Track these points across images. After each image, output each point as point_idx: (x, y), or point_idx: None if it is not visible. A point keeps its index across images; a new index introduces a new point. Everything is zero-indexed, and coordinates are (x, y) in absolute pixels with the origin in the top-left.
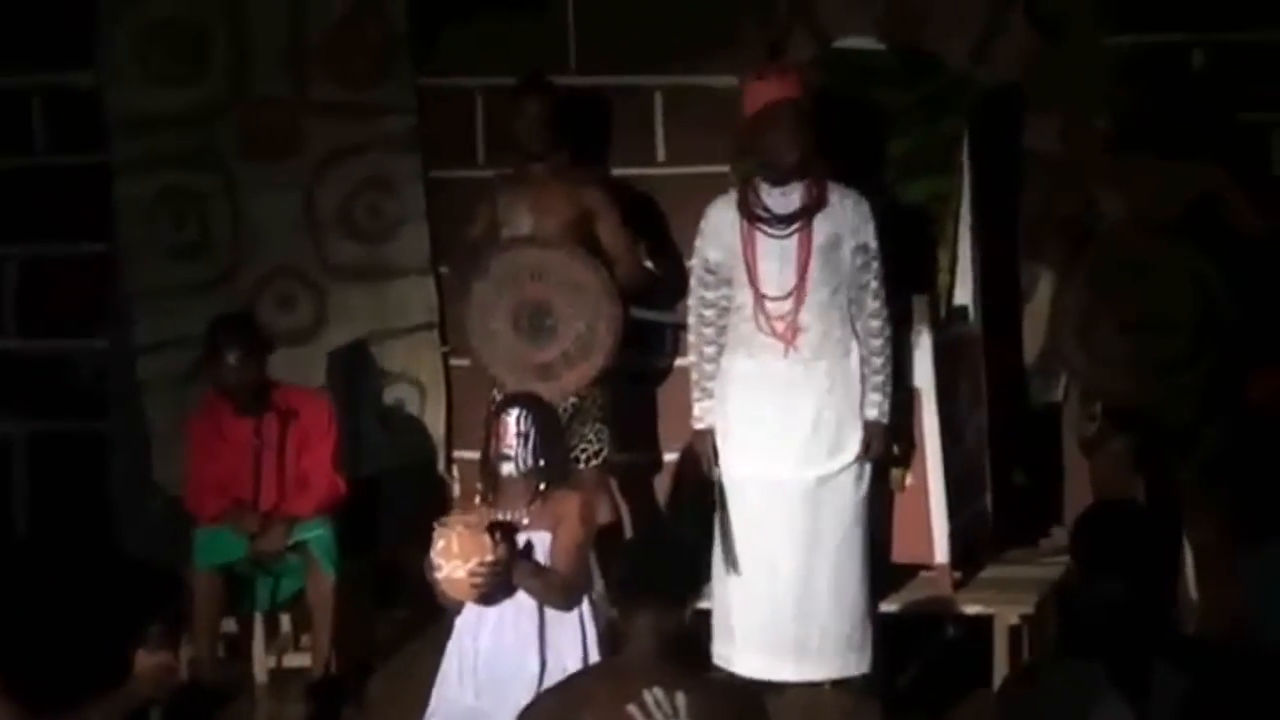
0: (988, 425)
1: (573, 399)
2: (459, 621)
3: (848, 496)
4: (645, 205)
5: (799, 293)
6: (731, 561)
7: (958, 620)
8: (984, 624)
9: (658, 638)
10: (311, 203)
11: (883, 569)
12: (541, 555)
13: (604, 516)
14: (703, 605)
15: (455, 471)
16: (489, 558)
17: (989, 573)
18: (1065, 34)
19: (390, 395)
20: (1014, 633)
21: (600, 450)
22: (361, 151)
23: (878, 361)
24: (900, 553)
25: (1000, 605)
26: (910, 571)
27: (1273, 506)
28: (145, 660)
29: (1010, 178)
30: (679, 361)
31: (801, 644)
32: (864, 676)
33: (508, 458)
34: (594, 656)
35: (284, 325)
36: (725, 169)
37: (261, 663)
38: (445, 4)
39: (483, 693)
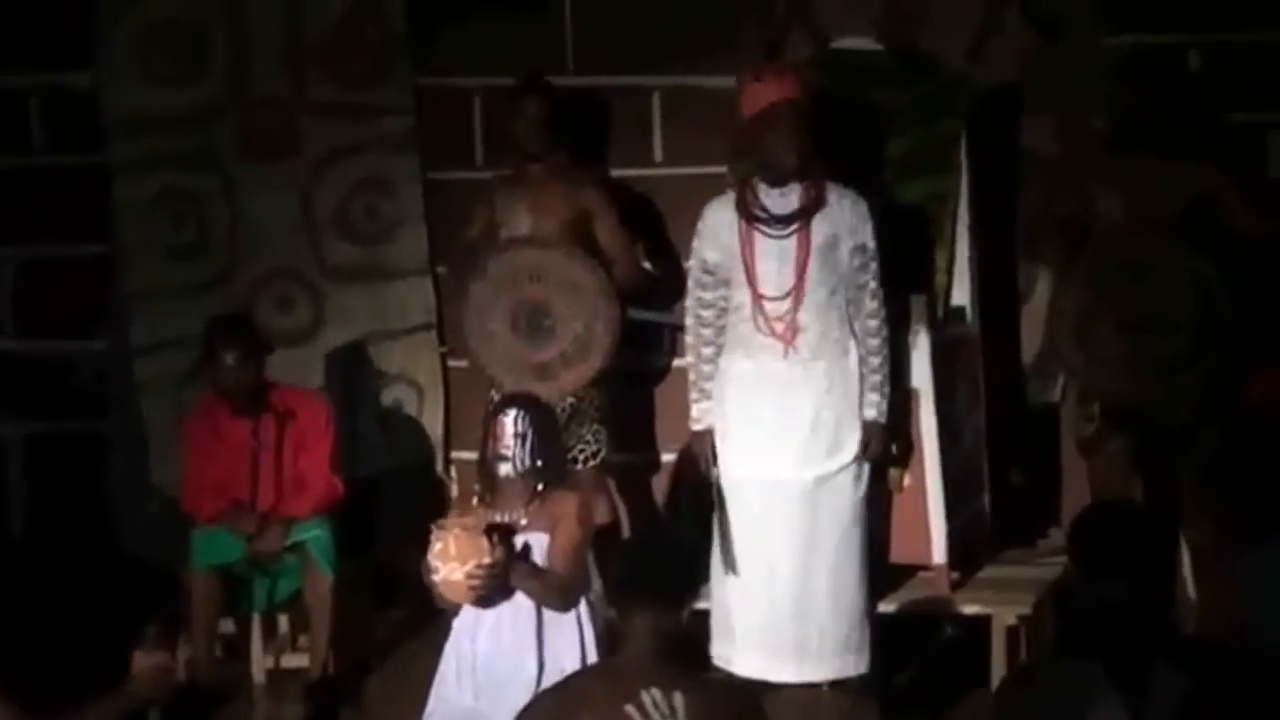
0: (986, 426)
1: (570, 399)
2: (457, 623)
3: (846, 497)
4: (643, 206)
5: (797, 293)
6: (730, 562)
7: (956, 620)
8: (982, 624)
9: (656, 638)
10: (309, 204)
11: (881, 569)
12: (539, 556)
13: (602, 517)
14: (701, 606)
15: (453, 472)
16: (487, 560)
17: (987, 573)
18: (1063, 34)
19: (388, 396)
20: (1012, 633)
21: (598, 451)
22: (359, 152)
23: (876, 361)
24: (898, 553)
25: (998, 605)
26: (908, 572)
27: (1272, 506)
28: (143, 661)
29: (1008, 178)
30: (677, 362)
31: (800, 644)
32: (862, 677)
33: (505, 458)
34: (592, 657)
35: (282, 326)
36: (723, 169)
37: (259, 663)
38: (443, 4)
39: (481, 694)
